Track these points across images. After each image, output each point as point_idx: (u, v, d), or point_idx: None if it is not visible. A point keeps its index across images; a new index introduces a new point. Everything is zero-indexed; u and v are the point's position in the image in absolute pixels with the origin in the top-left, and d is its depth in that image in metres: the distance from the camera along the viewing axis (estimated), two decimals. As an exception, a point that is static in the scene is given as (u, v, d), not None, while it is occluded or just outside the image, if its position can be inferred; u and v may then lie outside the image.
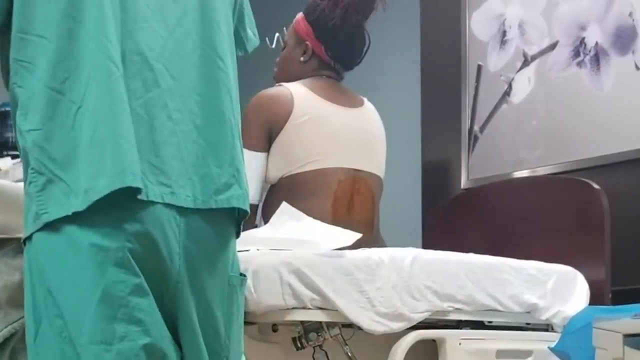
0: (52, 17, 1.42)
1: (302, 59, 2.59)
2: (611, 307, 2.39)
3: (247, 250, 2.04)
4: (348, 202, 2.47)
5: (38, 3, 1.43)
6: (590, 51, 3.08)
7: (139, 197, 1.39)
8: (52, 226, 1.39)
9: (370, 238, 2.48)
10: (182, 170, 1.45)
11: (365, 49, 2.60)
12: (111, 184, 1.36)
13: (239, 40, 1.72)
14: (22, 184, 1.89)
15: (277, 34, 2.68)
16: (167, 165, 1.44)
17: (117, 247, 1.37)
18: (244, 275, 1.60)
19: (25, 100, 1.42)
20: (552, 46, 3.21)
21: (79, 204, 1.36)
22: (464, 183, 3.48)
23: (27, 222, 1.43)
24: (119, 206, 1.37)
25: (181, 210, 1.44)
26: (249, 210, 1.56)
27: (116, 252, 1.37)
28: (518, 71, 3.33)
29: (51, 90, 1.40)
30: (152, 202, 1.40)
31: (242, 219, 1.57)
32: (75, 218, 1.37)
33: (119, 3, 1.46)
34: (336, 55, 2.57)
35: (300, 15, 2.61)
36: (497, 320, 2.36)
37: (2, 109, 4.53)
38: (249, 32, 1.73)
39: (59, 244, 1.38)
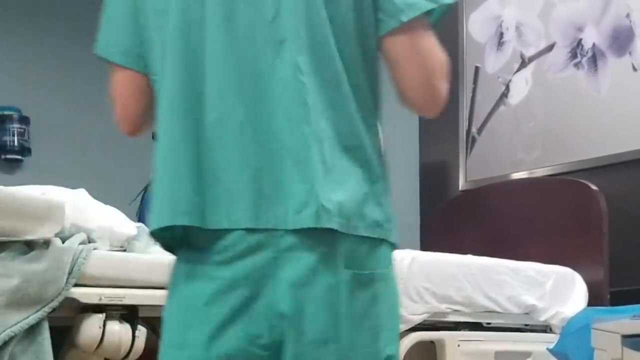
0: (157, 57, 1.46)
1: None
2: (610, 308, 2.39)
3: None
4: (346, 204, 2.47)
5: (150, 46, 1.48)
6: (587, 52, 3.08)
7: (208, 227, 1.40)
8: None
9: (369, 240, 2.48)
10: (259, 192, 1.44)
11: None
12: (157, 222, 1.40)
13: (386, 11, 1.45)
14: (21, 188, 1.90)
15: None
16: (247, 190, 1.43)
17: (203, 261, 1.40)
18: (370, 272, 1.46)
19: None
20: (549, 47, 3.22)
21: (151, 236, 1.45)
22: (462, 185, 3.48)
23: None
24: (201, 230, 1.41)
25: (266, 230, 1.42)
26: (329, 226, 1.40)
27: (201, 266, 1.40)
28: (515, 73, 3.33)
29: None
30: (232, 229, 1.41)
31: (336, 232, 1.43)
32: (177, 240, 1.43)
33: (184, 28, 1.45)
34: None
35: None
36: (495, 321, 2.36)
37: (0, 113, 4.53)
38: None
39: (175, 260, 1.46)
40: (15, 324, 1.65)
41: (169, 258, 1.62)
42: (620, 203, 2.88)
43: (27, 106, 4.57)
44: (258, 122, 1.42)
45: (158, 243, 1.45)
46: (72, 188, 2.00)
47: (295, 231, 1.40)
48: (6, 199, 1.73)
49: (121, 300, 1.77)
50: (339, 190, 1.40)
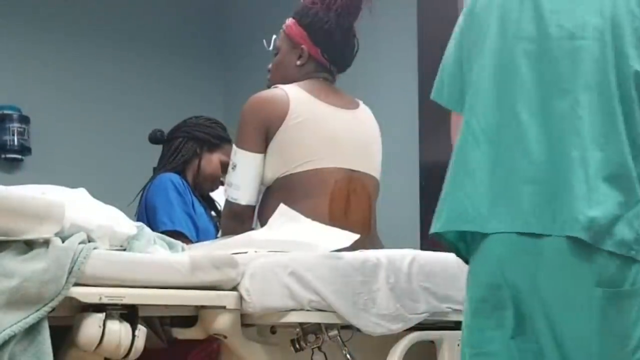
0: (470, 96, 1.84)
1: (298, 62, 2.58)
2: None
3: (245, 252, 2.05)
4: (345, 202, 2.47)
5: (466, 87, 1.87)
6: (587, 51, 3.07)
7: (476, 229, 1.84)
8: None
9: (367, 239, 2.48)
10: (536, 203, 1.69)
11: (355, 50, 2.61)
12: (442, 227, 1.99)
13: None
14: (20, 188, 1.90)
15: (274, 36, 2.68)
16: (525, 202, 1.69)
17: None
18: (621, 289, 1.62)
19: None
20: (549, 47, 3.21)
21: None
22: (462, 184, 3.48)
23: None
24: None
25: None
26: (577, 235, 1.60)
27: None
28: (515, 72, 3.32)
29: None
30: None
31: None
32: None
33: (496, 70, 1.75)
34: (333, 57, 2.57)
35: (290, 20, 2.60)
36: (495, 321, 2.36)
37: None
38: None
39: None
40: (15, 324, 1.65)
41: (167, 257, 1.62)
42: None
43: (27, 106, 4.57)
44: (540, 148, 1.65)
45: None
46: (72, 188, 2.00)
47: (555, 237, 1.62)
48: (5, 199, 1.73)
49: (121, 300, 1.77)
50: (594, 209, 1.58)
